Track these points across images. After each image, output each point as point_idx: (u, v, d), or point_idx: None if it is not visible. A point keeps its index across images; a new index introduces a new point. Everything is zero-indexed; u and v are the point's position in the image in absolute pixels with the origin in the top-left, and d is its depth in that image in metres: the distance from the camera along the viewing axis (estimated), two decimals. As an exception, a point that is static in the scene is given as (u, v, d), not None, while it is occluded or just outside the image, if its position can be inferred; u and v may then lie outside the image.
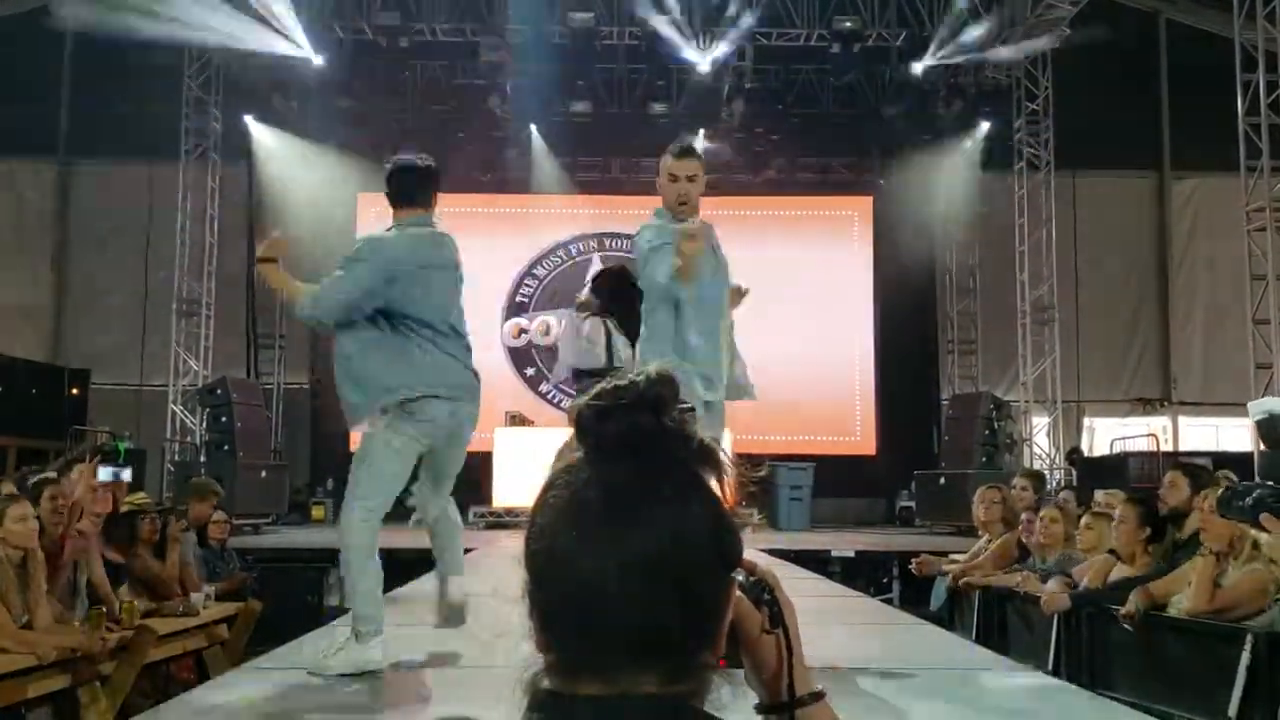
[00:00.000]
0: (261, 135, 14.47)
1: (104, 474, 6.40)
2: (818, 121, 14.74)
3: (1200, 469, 6.21)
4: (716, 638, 0.95)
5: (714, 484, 0.95)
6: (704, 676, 0.93)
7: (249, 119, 14.34)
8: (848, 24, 13.47)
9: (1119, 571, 5.43)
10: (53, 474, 6.04)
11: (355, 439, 13.83)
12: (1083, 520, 6.04)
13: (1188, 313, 16.14)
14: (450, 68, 14.41)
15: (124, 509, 6.46)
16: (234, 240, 15.01)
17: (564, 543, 0.91)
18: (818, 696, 1.07)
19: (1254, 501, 4.21)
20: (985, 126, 14.45)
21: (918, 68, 13.81)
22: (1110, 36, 14.58)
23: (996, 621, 6.38)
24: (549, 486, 0.95)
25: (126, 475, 6.98)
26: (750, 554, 1.03)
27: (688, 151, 4.25)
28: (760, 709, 1.08)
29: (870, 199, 15.33)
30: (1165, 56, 16.10)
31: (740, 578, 1.02)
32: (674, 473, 0.93)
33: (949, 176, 14.71)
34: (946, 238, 15.43)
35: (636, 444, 0.92)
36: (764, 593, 1.06)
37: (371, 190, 14.82)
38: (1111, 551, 5.57)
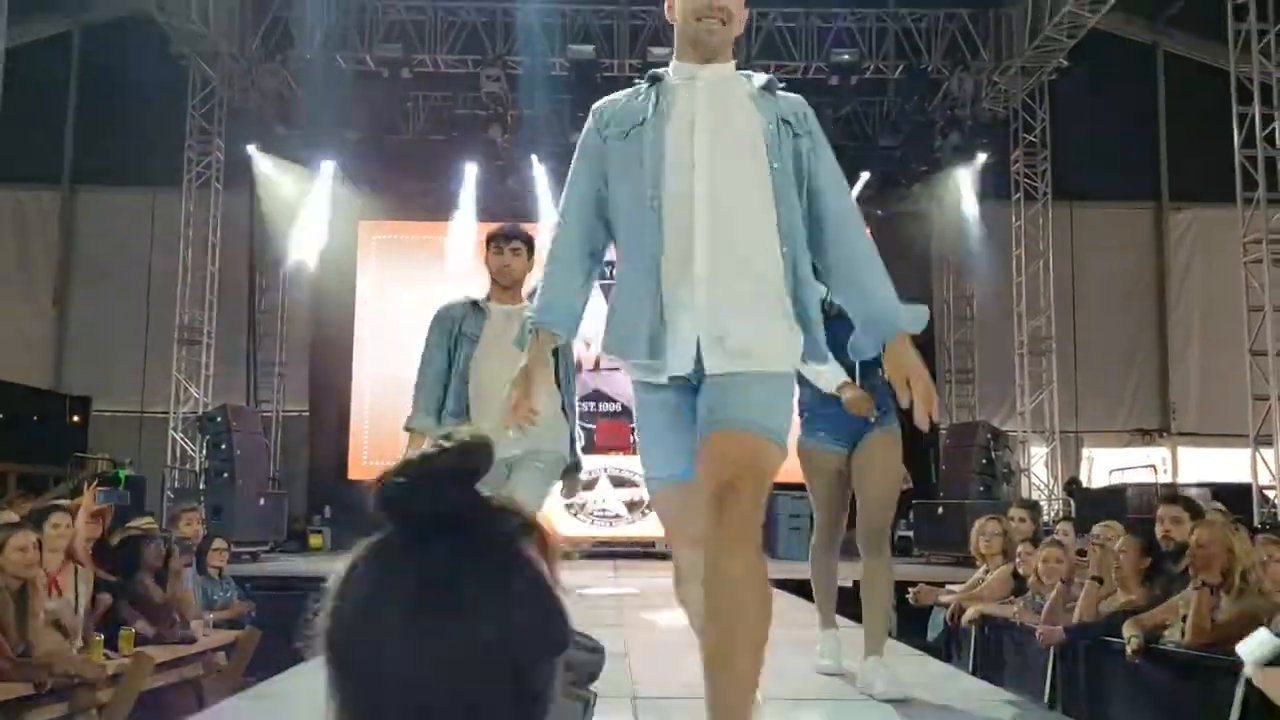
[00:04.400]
0: (264, 164, 14.55)
1: (103, 498, 6.43)
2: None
3: (1192, 501, 6.20)
4: None
5: (540, 560, 0.88)
6: None
7: (251, 148, 14.41)
8: (845, 56, 13.58)
9: (1111, 602, 5.44)
10: (61, 501, 6.08)
11: (354, 469, 13.72)
12: (1079, 552, 6.03)
13: (1186, 343, 16.17)
14: (452, 98, 14.53)
15: (129, 533, 6.48)
16: (236, 267, 15.09)
17: (377, 635, 0.82)
18: None
19: None
20: (982, 157, 14.51)
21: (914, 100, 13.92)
22: (1108, 68, 14.73)
23: (993, 652, 6.38)
24: (352, 567, 0.86)
25: (123, 499, 6.94)
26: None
27: None
28: None
29: (866, 229, 15.37)
30: (1163, 88, 16.21)
31: None
32: (496, 552, 0.85)
33: (946, 207, 14.78)
34: (943, 267, 15.48)
35: (452, 522, 0.84)
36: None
37: (372, 219, 14.95)
38: (1096, 578, 5.57)
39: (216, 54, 13.83)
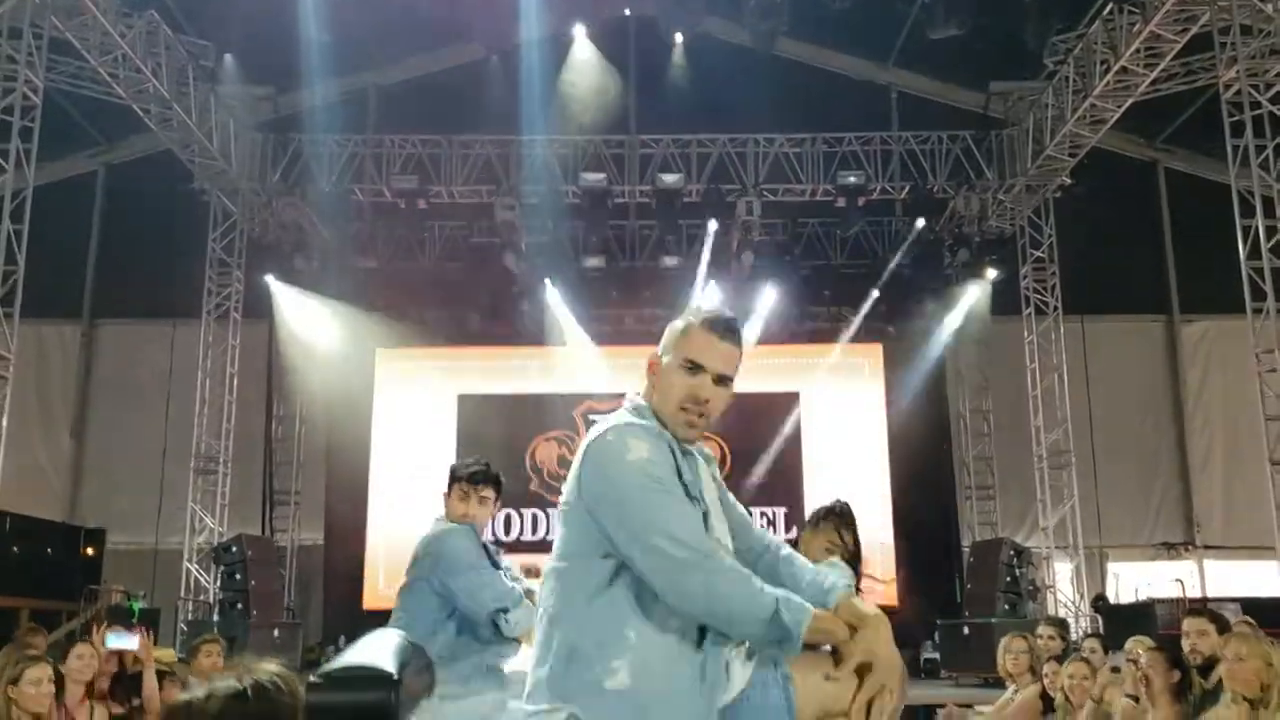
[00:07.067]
0: (283, 294, 14.74)
1: (112, 641, 6.22)
2: (826, 272, 15.03)
3: (1218, 613, 6.09)
4: None
5: None
6: None
7: (270, 278, 14.62)
8: (851, 179, 13.85)
9: (1146, 721, 5.29)
10: (78, 627, 6.00)
11: (369, 599, 13.52)
12: (1113, 669, 5.89)
13: (1206, 455, 16.02)
14: (466, 227, 14.81)
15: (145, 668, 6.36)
16: (253, 397, 15.19)
17: None
18: None
19: None
20: (992, 274, 14.62)
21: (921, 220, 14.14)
22: (1111, 184, 14.96)
23: (1026, 777, 6.19)
24: None
25: (132, 643, 6.60)
26: None
27: (731, 330, 2.47)
28: None
29: (880, 346, 15.39)
30: (1166, 203, 16.41)
31: None
32: None
33: (958, 323, 14.86)
34: (959, 383, 15.50)
35: None
36: None
37: (389, 347, 15.08)
38: (1133, 697, 5.43)
39: (237, 189, 14.20)
